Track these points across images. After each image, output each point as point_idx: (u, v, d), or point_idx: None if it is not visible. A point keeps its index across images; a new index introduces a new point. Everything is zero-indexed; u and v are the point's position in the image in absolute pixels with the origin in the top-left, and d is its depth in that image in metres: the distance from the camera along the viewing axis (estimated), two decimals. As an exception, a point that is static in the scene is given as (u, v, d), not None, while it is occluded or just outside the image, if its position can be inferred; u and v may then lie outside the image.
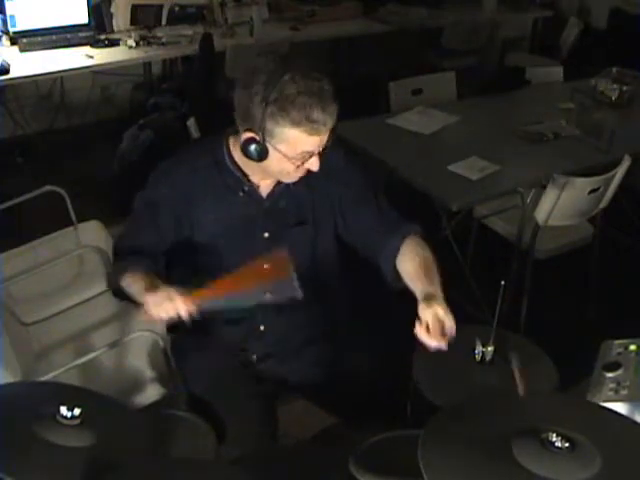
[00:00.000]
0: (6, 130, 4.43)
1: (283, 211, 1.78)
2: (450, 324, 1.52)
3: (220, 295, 1.58)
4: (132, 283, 1.67)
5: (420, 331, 1.51)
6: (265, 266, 1.60)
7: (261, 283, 1.60)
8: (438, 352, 1.52)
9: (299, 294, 1.56)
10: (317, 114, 1.54)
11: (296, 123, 1.54)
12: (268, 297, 1.62)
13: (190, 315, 1.54)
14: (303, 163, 1.63)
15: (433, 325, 1.51)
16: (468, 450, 1.14)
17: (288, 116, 1.54)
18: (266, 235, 1.78)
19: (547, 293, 3.16)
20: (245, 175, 1.74)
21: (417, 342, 1.52)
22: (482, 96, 3.85)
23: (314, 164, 1.64)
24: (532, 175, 2.87)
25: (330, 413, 1.85)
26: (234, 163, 1.74)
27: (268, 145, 1.59)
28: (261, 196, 1.77)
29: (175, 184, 1.74)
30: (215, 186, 1.75)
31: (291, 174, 1.68)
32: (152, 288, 1.59)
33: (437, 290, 1.58)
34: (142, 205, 1.79)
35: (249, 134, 1.60)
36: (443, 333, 1.51)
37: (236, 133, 1.71)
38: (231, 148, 1.74)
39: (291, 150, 1.60)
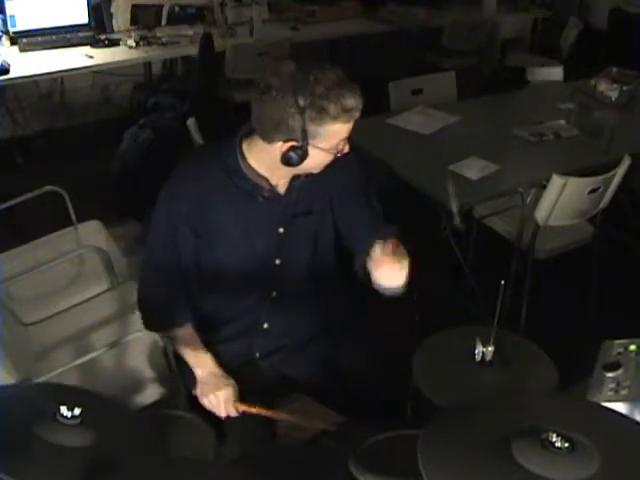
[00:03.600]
0: (6, 130, 4.44)
1: (295, 203, 1.78)
2: (405, 261, 1.54)
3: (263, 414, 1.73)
4: (181, 344, 1.82)
5: (376, 264, 1.54)
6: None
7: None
8: (435, 348, 1.52)
9: None
10: (350, 101, 1.57)
11: (336, 117, 1.57)
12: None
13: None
14: (340, 150, 1.67)
15: (389, 257, 1.52)
16: (468, 450, 1.14)
17: (328, 114, 1.56)
18: (281, 230, 1.78)
19: (547, 293, 3.16)
20: (264, 179, 1.72)
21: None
22: (482, 96, 3.86)
23: (347, 147, 1.68)
24: (532, 175, 2.87)
25: (331, 409, 1.85)
26: (251, 169, 1.71)
27: (309, 147, 1.60)
28: (280, 195, 1.76)
29: (189, 197, 1.72)
30: (231, 194, 1.72)
31: (324, 165, 1.70)
32: (203, 369, 1.77)
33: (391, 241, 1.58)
34: (161, 227, 1.77)
35: (289, 143, 1.60)
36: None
37: (248, 136, 1.70)
38: (246, 153, 1.71)
39: (330, 143, 1.62)
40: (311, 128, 1.57)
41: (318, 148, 1.61)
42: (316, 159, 1.64)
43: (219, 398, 1.72)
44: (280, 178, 1.74)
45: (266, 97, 1.57)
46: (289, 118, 1.56)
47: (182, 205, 1.73)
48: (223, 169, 1.72)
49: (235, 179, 1.72)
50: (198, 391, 1.76)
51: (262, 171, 1.71)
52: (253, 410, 1.72)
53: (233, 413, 1.72)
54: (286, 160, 1.62)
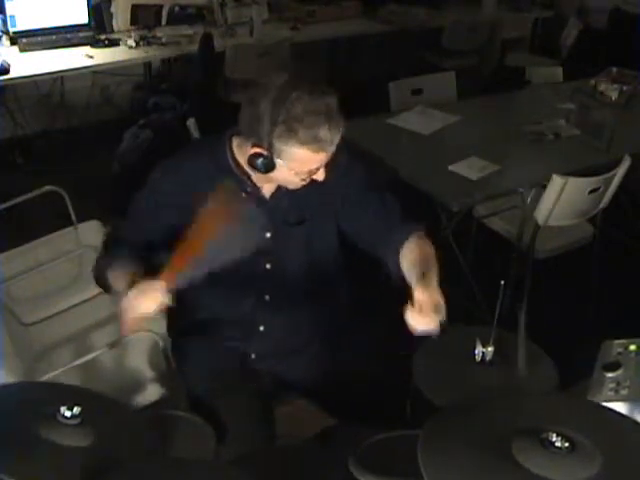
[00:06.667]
0: (6, 130, 4.44)
1: (285, 210, 1.78)
2: (442, 309, 1.50)
3: (190, 259, 1.54)
4: (116, 278, 1.65)
5: (411, 312, 1.49)
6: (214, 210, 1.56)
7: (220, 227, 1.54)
8: (435, 348, 1.51)
9: None
10: (324, 133, 1.54)
11: (303, 143, 1.55)
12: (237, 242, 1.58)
13: (169, 301, 1.53)
14: (309, 177, 1.65)
15: (427, 305, 1.49)
16: (468, 450, 1.14)
17: (296, 136, 1.54)
18: (268, 235, 1.78)
19: (547, 293, 3.16)
20: (248, 178, 1.73)
21: (407, 330, 1.51)
22: (482, 96, 3.86)
23: (320, 175, 1.65)
24: (532, 175, 2.87)
25: (330, 413, 1.85)
26: (238, 165, 1.72)
27: (275, 160, 1.59)
28: (264, 197, 1.76)
29: (177, 182, 1.73)
30: (215, 187, 1.73)
31: (297, 184, 1.69)
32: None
33: (432, 279, 1.57)
34: (141, 205, 1.77)
35: (256, 149, 1.59)
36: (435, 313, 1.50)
37: (239, 134, 1.70)
38: (235, 150, 1.72)
39: (298, 167, 1.61)
40: (277, 144, 1.56)
41: (285, 167, 1.60)
42: (283, 176, 1.64)
43: (146, 289, 1.53)
44: (263, 182, 1.74)
45: (248, 97, 1.59)
46: (260, 125, 1.56)
47: (169, 187, 1.73)
48: (212, 162, 1.73)
49: (223, 173, 1.72)
50: (129, 307, 1.54)
51: (246, 168, 1.71)
52: (180, 262, 1.55)
53: (171, 288, 1.55)
54: (251, 164, 1.62)
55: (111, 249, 1.77)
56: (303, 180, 1.66)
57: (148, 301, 1.52)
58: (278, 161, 1.59)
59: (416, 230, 1.77)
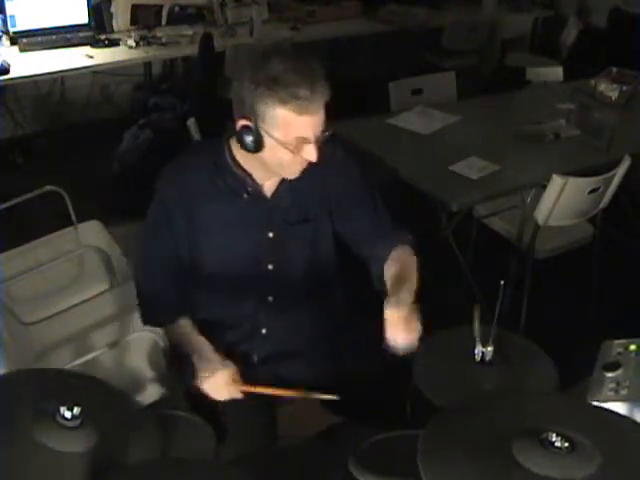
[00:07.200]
0: (6, 130, 4.44)
1: (287, 209, 1.77)
2: (416, 325, 1.55)
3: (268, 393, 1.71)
4: (178, 336, 1.79)
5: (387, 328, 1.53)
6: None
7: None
8: (435, 348, 1.52)
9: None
10: (303, 92, 1.52)
11: (283, 102, 1.52)
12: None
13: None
14: (299, 151, 1.60)
15: (396, 323, 1.53)
16: (468, 450, 1.14)
17: (276, 95, 1.52)
18: (270, 235, 1.77)
19: (547, 293, 3.16)
20: (249, 175, 1.72)
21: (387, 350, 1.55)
22: (482, 96, 3.86)
23: (311, 154, 1.60)
24: (532, 175, 2.87)
25: (331, 412, 1.85)
26: (237, 164, 1.72)
27: (262, 132, 1.57)
28: (265, 196, 1.75)
29: (180, 187, 1.73)
30: (218, 189, 1.73)
31: (291, 167, 1.65)
32: (203, 361, 1.69)
33: (406, 296, 1.59)
34: (155, 217, 1.78)
35: (243, 121, 1.58)
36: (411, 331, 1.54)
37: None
38: (233, 149, 1.72)
39: (283, 134, 1.56)
40: (260, 107, 1.54)
41: (271, 137, 1.57)
42: (273, 152, 1.60)
43: (216, 382, 1.67)
44: (264, 178, 1.73)
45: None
46: (243, 90, 1.55)
47: (173, 193, 1.74)
48: (211, 164, 1.73)
49: (222, 174, 1.72)
50: (198, 380, 1.70)
51: (246, 167, 1.71)
52: (255, 390, 1.69)
53: (235, 395, 1.68)
54: (240, 141, 1.60)
55: (146, 278, 1.85)
56: (294, 158, 1.61)
57: (220, 396, 1.68)
58: (264, 133, 1.57)
59: (403, 241, 1.78)
